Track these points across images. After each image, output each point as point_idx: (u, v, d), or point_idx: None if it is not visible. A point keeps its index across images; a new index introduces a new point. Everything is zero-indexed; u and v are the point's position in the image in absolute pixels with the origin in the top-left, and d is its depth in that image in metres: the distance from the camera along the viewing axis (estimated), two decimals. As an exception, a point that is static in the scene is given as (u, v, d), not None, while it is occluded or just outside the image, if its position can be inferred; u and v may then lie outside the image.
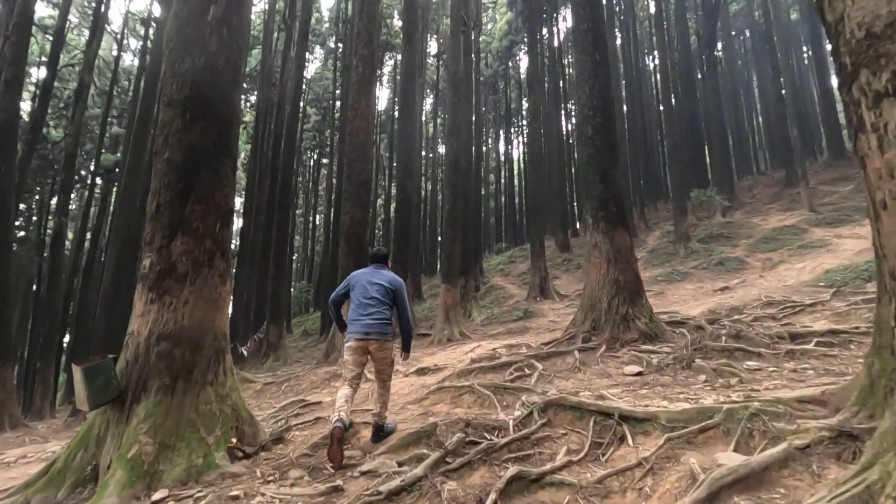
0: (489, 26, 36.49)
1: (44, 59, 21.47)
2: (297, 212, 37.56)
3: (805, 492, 1.97)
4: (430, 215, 34.49)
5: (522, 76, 39.20)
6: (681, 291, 12.06)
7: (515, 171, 41.92)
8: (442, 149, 34.10)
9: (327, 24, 34.79)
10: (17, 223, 23.13)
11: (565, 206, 26.11)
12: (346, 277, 3.66)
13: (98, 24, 14.82)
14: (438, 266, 31.19)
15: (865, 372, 2.27)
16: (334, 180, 25.79)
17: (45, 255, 20.56)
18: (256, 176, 21.19)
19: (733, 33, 31.96)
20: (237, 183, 30.69)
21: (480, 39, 30.43)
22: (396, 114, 27.69)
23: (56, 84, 21.84)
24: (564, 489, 2.38)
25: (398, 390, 5.41)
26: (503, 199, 42.65)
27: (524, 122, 40.72)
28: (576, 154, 32.09)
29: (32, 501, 2.95)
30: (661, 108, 26.77)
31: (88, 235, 22.85)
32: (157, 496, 2.73)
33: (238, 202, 31.80)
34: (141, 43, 23.38)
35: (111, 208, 24.39)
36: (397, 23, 31.60)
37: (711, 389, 3.58)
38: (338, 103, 28.24)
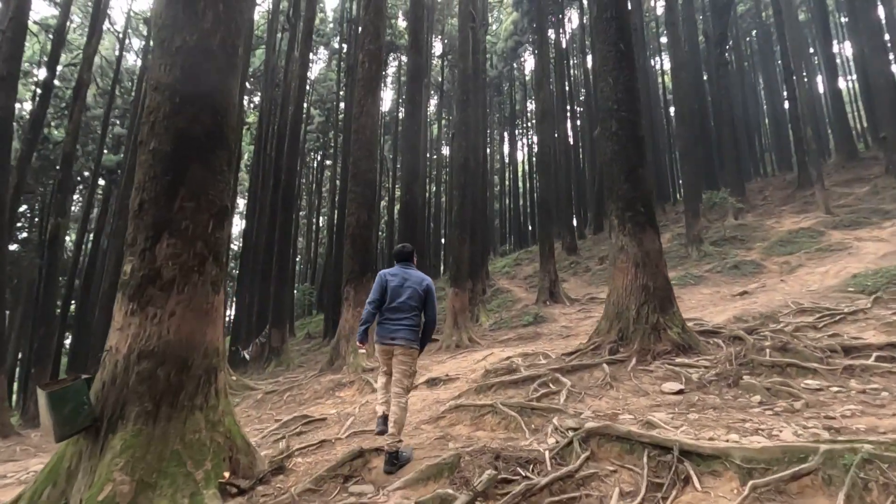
0: (494, 27, 36.09)
1: (45, 58, 21.19)
2: (301, 213, 37.25)
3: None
4: (433, 217, 34.10)
5: (527, 77, 38.83)
6: (697, 296, 11.57)
7: (520, 173, 41.53)
8: (446, 150, 33.71)
9: (331, 25, 34.45)
10: (18, 224, 22.83)
11: (571, 208, 25.71)
12: (377, 278, 3.44)
13: (97, 19, 14.47)
14: (442, 269, 30.76)
15: None
16: (338, 182, 25.50)
17: (45, 256, 20.21)
18: (260, 177, 20.89)
19: (737, 33, 31.49)
20: (240, 184, 30.61)
21: (486, 40, 30.05)
22: (401, 115, 27.32)
23: (58, 84, 21.57)
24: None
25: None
26: (508, 200, 42.29)
27: (529, 124, 40.37)
28: (581, 155, 31.72)
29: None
30: (672, 109, 26.36)
31: (90, 237, 22.52)
32: (132, 547, 2.30)
33: (241, 203, 31.52)
34: (143, 43, 23.13)
35: (112, 209, 24.06)
36: (402, 23, 31.28)
37: (774, 415, 3.11)
38: (342, 104, 27.94)
